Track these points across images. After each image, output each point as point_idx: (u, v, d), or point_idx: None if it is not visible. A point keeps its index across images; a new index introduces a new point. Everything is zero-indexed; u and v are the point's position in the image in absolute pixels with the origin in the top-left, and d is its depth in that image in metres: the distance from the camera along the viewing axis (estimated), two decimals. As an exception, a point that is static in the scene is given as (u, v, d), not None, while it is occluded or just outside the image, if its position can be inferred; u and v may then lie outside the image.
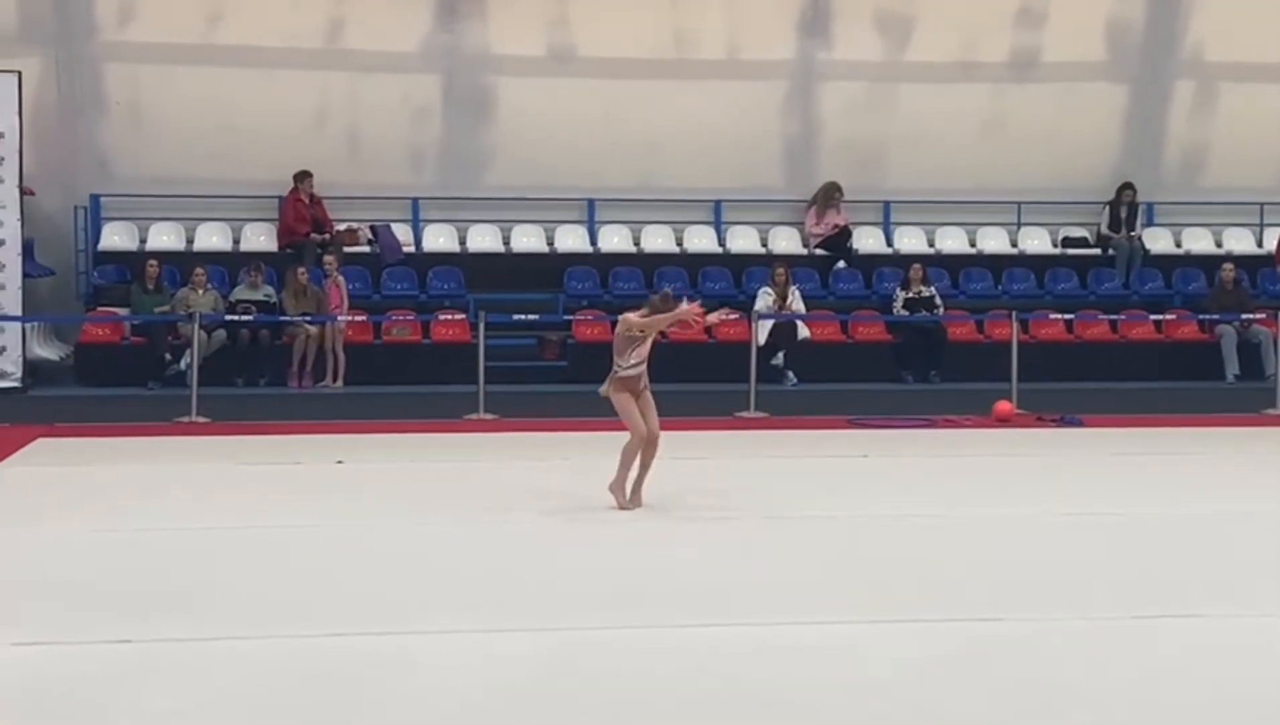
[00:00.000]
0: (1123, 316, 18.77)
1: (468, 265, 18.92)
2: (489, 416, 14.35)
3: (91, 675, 5.85)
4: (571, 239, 19.49)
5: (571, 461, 11.47)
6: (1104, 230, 20.16)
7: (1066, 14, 19.99)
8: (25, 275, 16.71)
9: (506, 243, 19.42)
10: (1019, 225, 20.38)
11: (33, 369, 17.08)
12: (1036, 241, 20.37)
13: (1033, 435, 13.58)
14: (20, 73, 16.60)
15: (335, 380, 16.93)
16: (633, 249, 19.61)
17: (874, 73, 19.91)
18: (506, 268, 18.98)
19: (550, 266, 18.97)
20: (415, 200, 19.35)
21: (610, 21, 19.33)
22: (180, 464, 11.28)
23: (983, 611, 6.98)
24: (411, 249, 18.97)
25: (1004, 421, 14.18)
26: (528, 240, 19.38)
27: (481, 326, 15.19)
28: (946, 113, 19.81)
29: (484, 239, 19.38)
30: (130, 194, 18.54)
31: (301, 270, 17.28)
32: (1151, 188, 20.41)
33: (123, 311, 17.34)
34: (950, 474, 11.20)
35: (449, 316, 17.65)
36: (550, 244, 19.45)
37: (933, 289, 18.60)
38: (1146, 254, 20.17)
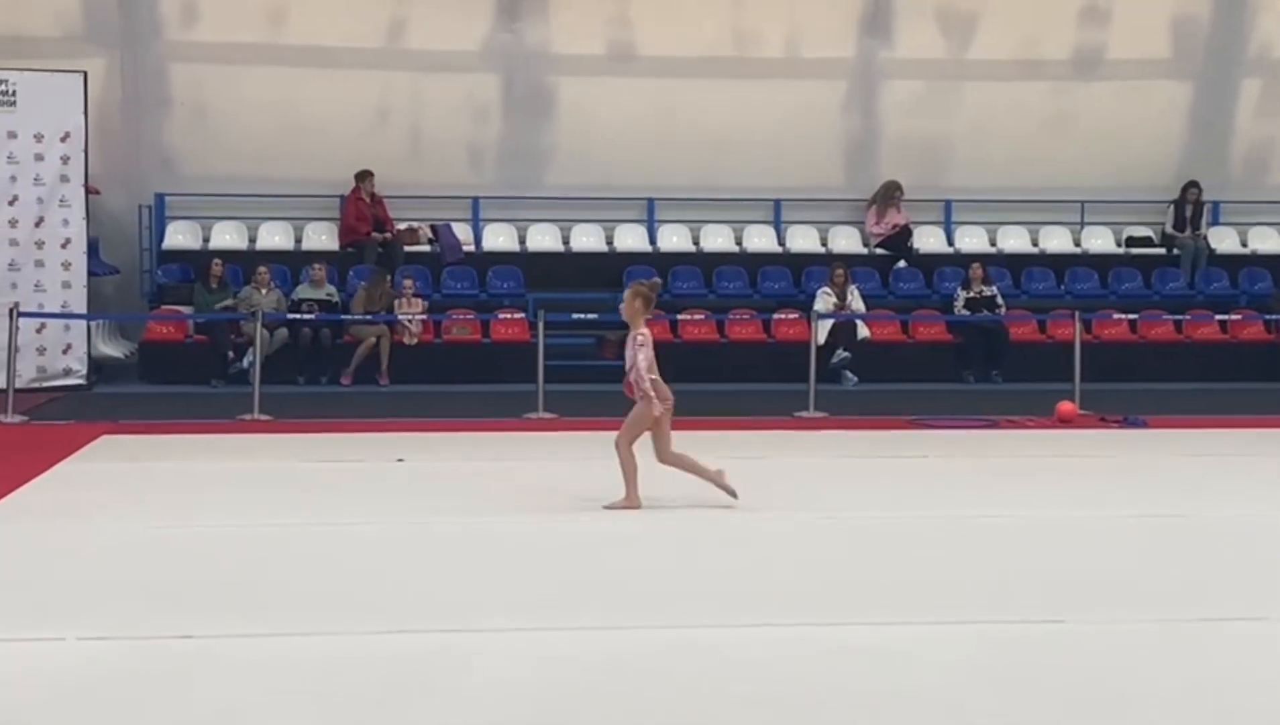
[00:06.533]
0: (1187, 317, 18.59)
1: (527, 264, 18.97)
2: (548, 415, 14.37)
3: (153, 670, 5.89)
4: (631, 238, 19.49)
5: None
6: (1168, 229, 19.97)
7: (1131, 11, 19.82)
8: (91, 274, 16.91)
9: (566, 242, 19.46)
10: (1082, 224, 20.22)
11: (98, 366, 17.29)
12: (1100, 241, 20.20)
13: (1096, 436, 13.44)
14: (86, 73, 16.79)
15: (385, 379, 17.08)
16: (692, 248, 19.61)
17: (936, 71, 19.82)
18: (566, 267, 19.01)
19: (610, 266, 18.99)
20: (475, 199, 19.42)
21: (670, 20, 19.34)
22: (242, 461, 11.36)
23: (1044, 613, 6.91)
24: (471, 248, 19.05)
25: (1067, 422, 14.04)
26: (587, 239, 19.41)
27: (541, 325, 15.21)
28: (1009, 111, 19.70)
29: (544, 238, 19.42)
30: (194, 193, 18.72)
31: (389, 278, 17.40)
32: (1217, 186, 20.21)
33: (186, 310, 17.51)
34: (1012, 475, 11.11)
35: (508, 316, 17.72)
36: (610, 243, 19.46)
37: (994, 288, 18.49)
38: (1212, 253, 19.97)
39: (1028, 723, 5.43)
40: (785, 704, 5.56)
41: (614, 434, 9.42)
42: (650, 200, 19.63)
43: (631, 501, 9.39)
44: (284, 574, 7.64)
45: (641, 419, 9.43)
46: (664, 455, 9.49)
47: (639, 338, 9.42)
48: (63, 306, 16.38)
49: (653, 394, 9.35)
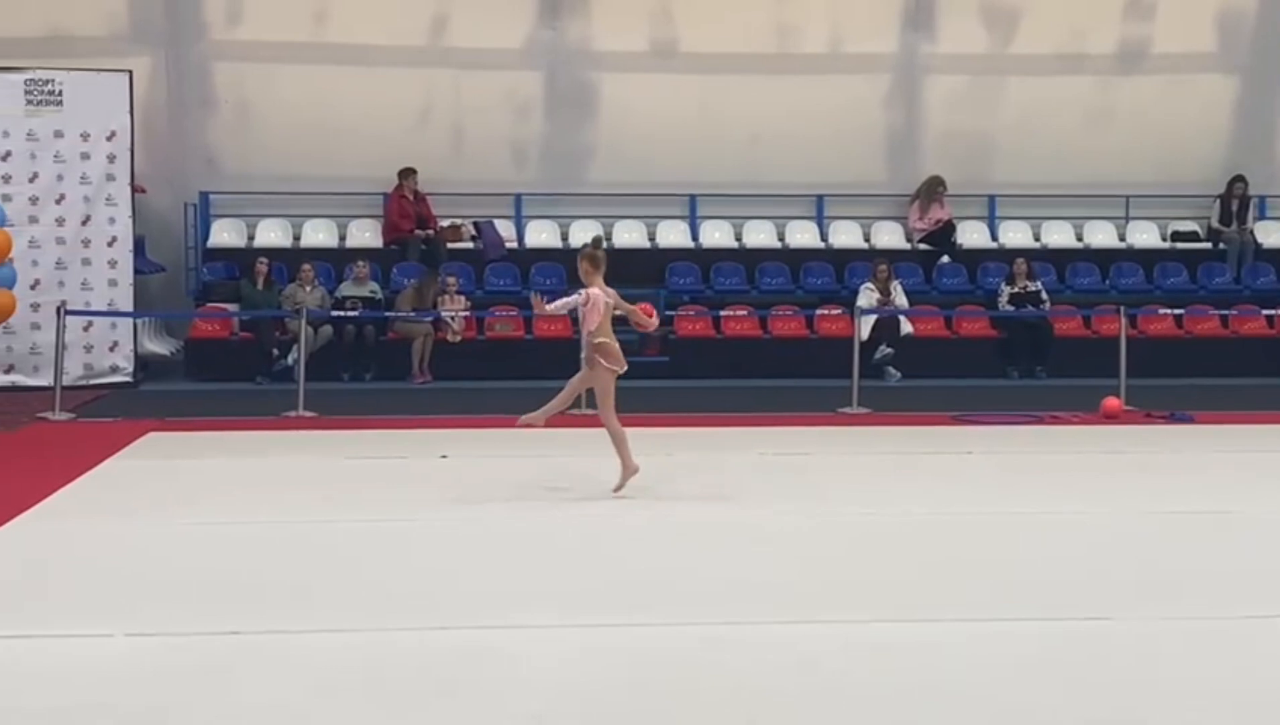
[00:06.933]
0: (1234, 311, 18.45)
1: (570, 261, 18.86)
2: (591, 412, 14.34)
3: (201, 666, 5.93)
4: (673, 234, 19.49)
5: (674, 457, 11.45)
6: (1214, 224, 19.82)
7: (1176, 4, 19.70)
8: (137, 272, 17.03)
9: (608, 238, 19.45)
10: (1127, 219, 20.08)
11: (144, 364, 17.41)
12: (1145, 235, 20.05)
13: (1142, 432, 13.36)
14: (131, 72, 16.90)
15: (424, 375, 17.13)
16: (734, 244, 19.58)
17: (979, 65, 19.74)
18: (608, 263, 18.93)
19: (652, 262, 18.99)
20: (518, 196, 19.45)
21: (712, 16, 19.32)
22: (287, 458, 11.41)
23: (1091, 610, 6.87)
24: (514, 245, 19.09)
25: (1112, 418, 13.96)
26: (629, 236, 19.41)
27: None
28: (1053, 105, 19.59)
29: (586, 235, 19.40)
30: (238, 191, 18.83)
31: (443, 279, 17.45)
32: (1263, 180, 20.03)
33: (231, 307, 17.61)
34: (1057, 471, 11.04)
35: (551, 312, 17.70)
36: (652, 239, 19.46)
37: (1039, 284, 18.40)
38: (1258, 248, 19.80)
39: (1076, 719, 5.40)
40: (833, 700, 5.56)
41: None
42: (692, 196, 19.62)
43: (628, 467, 9.52)
44: (330, 570, 7.68)
45: (604, 386, 9.60)
46: (608, 411, 9.65)
47: (582, 297, 9.58)
48: (109, 304, 16.50)
49: (598, 358, 9.49)
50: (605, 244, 18.77)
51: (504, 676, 5.81)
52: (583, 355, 9.76)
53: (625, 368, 9.73)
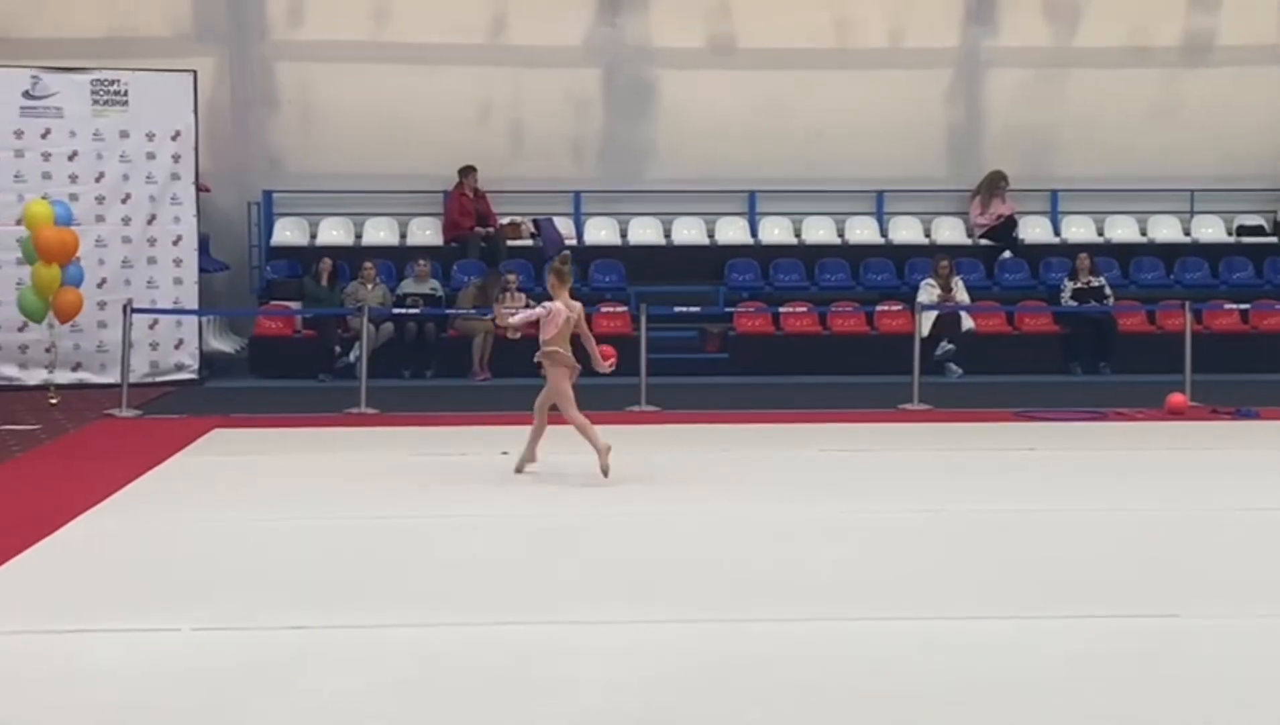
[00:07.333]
0: (1300, 306, 18.21)
1: (629, 258, 19.01)
2: (651, 408, 14.39)
3: (267, 660, 5.98)
4: (732, 231, 19.47)
5: (732, 453, 11.45)
6: (1281, 217, 19.58)
7: (1241, -4, 19.47)
8: (201, 270, 17.19)
9: (668, 235, 19.48)
10: (1192, 213, 19.88)
11: (209, 361, 17.57)
12: (1210, 230, 19.84)
13: (1207, 428, 13.21)
14: (196, 72, 17.05)
15: (484, 372, 17.18)
16: (794, 240, 19.54)
17: (1041, 59, 19.61)
18: (668, 260, 19.03)
19: (711, 258, 18.99)
20: (577, 193, 19.49)
21: (771, 12, 19.30)
22: (350, 454, 11.49)
23: (1158, 607, 6.81)
24: (573, 242, 19.11)
25: (1177, 414, 13.82)
26: (689, 232, 19.41)
27: (643, 319, 15.22)
28: (1116, 99, 19.43)
29: (645, 231, 19.44)
30: (301, 190, 18.97)
31: (503, 278, 17.50)
32: (1331, 174, 19.78)
33: (294, 305, 17.75)
34: (1122, 468, 10.95)
35: (611, 309, 17.75)
36: (711, 236, 19.45)
37: (1102, 279, 18.24)
38: (1326, 242, 19.55)
39: (1145, 717, 5.36)
40: (901, 697, 5.53)
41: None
42: (751, 192, 19.58)
43: (600, 448, 10.02)
44: (393, 565, 7.72)
45: (560, 387, 10.20)
46: (542, 405, 10.33)
47: (544, 310, 10.31)
48: (175, 303, 16.66)
49: (547, 363, 10.19)
50: (634, 240, 19.02)
51: (565, 672, 5.82)
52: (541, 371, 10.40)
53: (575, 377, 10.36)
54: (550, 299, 10.41)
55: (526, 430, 10.54)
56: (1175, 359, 15.17)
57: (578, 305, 10.47)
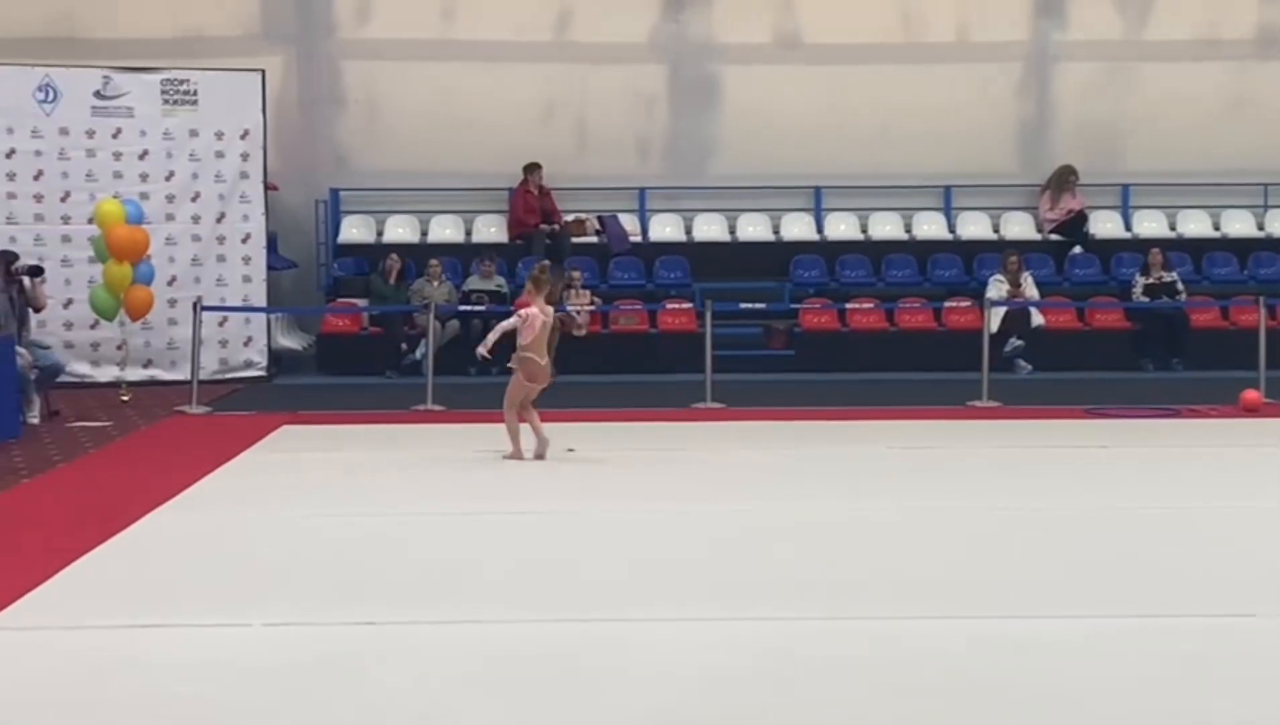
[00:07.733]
0: (1377, 301, 17.88)
1: (694, 254, 18.97)
2: (716, 405, 14.34)
3: (336, 655, 6.00)
4: (798, 227, 19.39)
5: (797, 451, 11.40)
6: (1356, 211, 19.27)
7: (1317, -13, 19.19)
8: (270, 268, 17.32)
9: (732, 231, 19.43)
10: (1265, 207, 19.62)
11: (277, 358, 17.70)
12: (1285, 224, 19.56)
13: (1283, 426, 13.02)
14: (264, 71, 17.18)
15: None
16: (860, 236, 19.43)
17: (1112, 52, 19.41)
18: (733, 256, 18.98)
19: (777, 254, 18.92)
20: (642, 190, 19.48)
21: (836, 6, 19.21)
22: (418, 451, 11.52)
23: (1234, 607, 6.71)
24: (638, 238, 19.12)
25: (1252, 411, 13.61)
26: (754, 228, 19.35)
27: (708, 315, 15.17)
28: (1188, 92, 19.21)
29: (710, 228, 19.40)
30: (367, 188, 19.07)
31: (568, 275, 17.51)
32: (1405, 166, 19.46)
33: (361, 302, 17.84)
34: (1195, 466, 10.81)
35: (676, 306, 17.74)
36: (776, 232, 19.39)
37: (1174, 274, 18.03)
38: (1402, 235, 19.23)
39: (1223, 717, 5.27)
40: (966, 695, 5.48)
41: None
42: (817, 188, 19.50)
43: (517, 453, 10.68)
44: (462, 561, 7.73)
45: (515, 389, 10.67)
46: (525, 402, 10.76)
47: (520, 317, 10.69)
48: (243, 300, 16.80)
49: (519, 368, 10.63)
50: (699, 236, 18.97)
51: (633, 669, 5.80)
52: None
53: (548, 383, 10.84)
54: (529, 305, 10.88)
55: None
56: (1249, 355, 14.96)
57: (550, 310, 10.98)
